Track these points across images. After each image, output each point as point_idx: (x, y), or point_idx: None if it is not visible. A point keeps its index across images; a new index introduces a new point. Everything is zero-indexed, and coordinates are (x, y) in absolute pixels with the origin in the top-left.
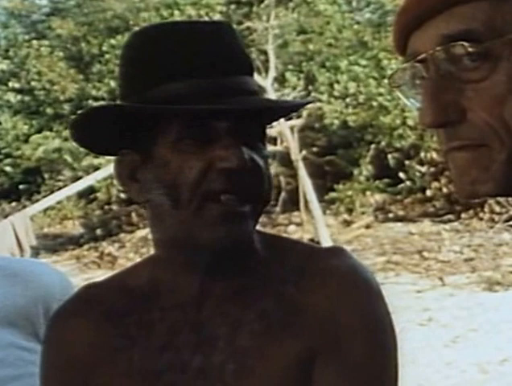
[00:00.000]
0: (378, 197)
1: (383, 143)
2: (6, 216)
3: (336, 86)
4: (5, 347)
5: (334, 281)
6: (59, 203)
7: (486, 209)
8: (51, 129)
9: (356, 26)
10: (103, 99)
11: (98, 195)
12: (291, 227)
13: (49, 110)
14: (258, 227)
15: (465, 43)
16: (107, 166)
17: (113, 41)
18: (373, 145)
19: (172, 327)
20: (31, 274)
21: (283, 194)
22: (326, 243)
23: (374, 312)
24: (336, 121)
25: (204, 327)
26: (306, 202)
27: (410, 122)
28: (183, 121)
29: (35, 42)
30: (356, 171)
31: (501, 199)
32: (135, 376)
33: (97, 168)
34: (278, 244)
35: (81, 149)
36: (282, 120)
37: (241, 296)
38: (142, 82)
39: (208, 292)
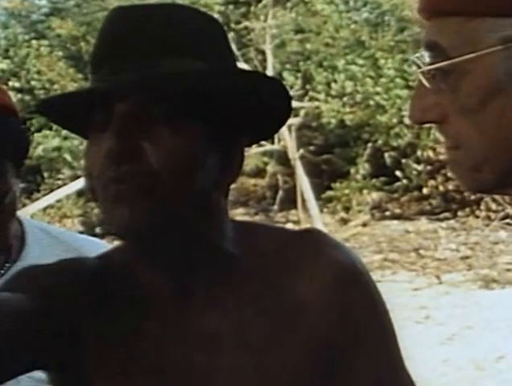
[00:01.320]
0: (375, 195)
1: (380, 142)
2: None
3: (333, 85)
4: None
5: (326, 271)
6: (58, 201)
7: (482, 207)
8: (50, 128)
9: (353, 26)
10: None
11: None
12: (289, 226)
13: None
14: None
15: (432, 56)
16: None
17: None
18: (369, 144)
19: (163, 330)
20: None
21: (281, 192)
22: None
23: (376, 295)
24: (334, 120)
25: (200, 327)
26: (303, 200)
27: (406, 121)
28: (88, 109)
29: (34, 42)
30: (353, 170)
31: (497, 197)
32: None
33: None
34: (257, 233)
35: (80, 148)
36: None
37: (232, 292)
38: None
39: (193, 289)
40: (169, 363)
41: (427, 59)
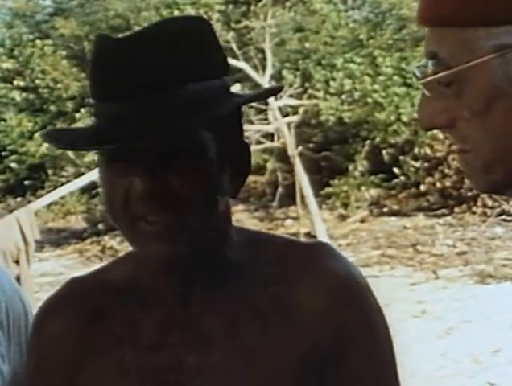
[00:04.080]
0: (373, 192)
1: (378, 139)
2: (11, 211)
3: (331, 83)
4: None
5: (324, 282)
6: (62, 198)
7: (479, 203)
8: (54, 126)
9: (351, 25)
10: None
11: (100, 190)
12: (288, 222)
13: (53, 108)
14: (244, 224)
15: (433, 66)
16: None
17: None
18: (368, 141)
19: (161, 326)
20: None
21: (280, 189)
22: (322, 237)
23: (371, 313)
24: (332, 118)
25: (195, 324)
26: (302, 197)
27: (404, 118)
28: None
29: (38, 41)
30: (351, 167)
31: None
32: (129, 376)
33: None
34: (260, 242)
35: None
36: (279, 116)
37: (230, 294)
38: (91, 95)
39: (193, 290)
40: (162, 363)
41: (430, 68)
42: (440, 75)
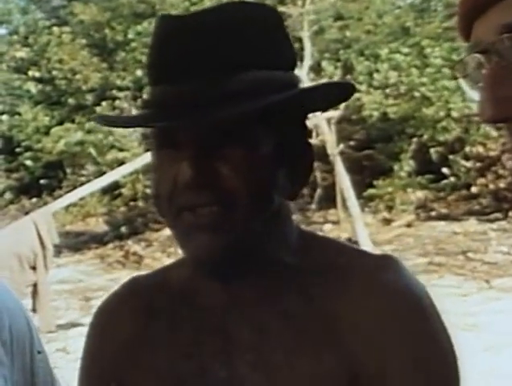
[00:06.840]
0: (420, 194)
1: (426, 136)
2: (26, 213)
3: (375, 75)
4: None
5: (381, 299)
6: (81, 199)
7: None
8: (73, 121)
9: (397, 11)
10: (128, 89)
11: (123, 190)
12: (327, 226)
13: (71, 101)
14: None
15: None
16: (132, 161)
17: (138, 27)
18: (414, 139)
19: (198, 330)
20: None
21: (319, 190)
22: (364, 242)
23: (427, 338)
24: (376, 113)
25: (228, 333)
26: (343, 199)
27: (454, 114)
28: (158, 130)
29: (55, 28)
30: (396, 166)
31: None
32: (160, 378)
33: (122, 162)
34: (323, 248)
35: (105, 143)
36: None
37: (268, 302)
38: (148, 81)
39: (234, 296)
40: (188, 369)
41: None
42: None
